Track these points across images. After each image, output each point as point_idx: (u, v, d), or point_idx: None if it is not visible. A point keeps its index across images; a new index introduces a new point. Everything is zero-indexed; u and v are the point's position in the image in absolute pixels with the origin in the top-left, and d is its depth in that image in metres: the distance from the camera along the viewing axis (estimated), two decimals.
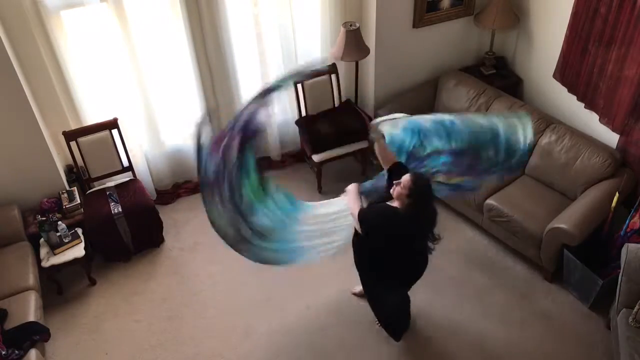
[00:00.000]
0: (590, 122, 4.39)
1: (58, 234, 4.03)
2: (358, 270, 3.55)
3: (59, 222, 4.06)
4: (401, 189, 2.97)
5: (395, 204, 3.07)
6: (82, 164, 4.42)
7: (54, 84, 4.13)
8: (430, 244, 3.17)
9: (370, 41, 4.74)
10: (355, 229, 3.25)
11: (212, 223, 3.20)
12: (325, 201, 3.65)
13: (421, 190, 2.97)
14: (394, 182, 3.05)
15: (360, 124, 4.78)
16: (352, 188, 3.31)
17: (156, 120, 4.59)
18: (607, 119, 4.23)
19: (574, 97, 4.51)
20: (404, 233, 3.07)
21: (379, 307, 3.63)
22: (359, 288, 4.01)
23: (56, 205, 4.28)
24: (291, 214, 3.39)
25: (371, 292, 3.60)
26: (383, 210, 3.10)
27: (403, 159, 3.43)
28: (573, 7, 4.22)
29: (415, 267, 3.40)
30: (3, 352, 3.33)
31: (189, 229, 4.70)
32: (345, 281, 4.13)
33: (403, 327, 3.73)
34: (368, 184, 3.53)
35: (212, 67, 4.56)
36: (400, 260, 3.27)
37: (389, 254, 3.21)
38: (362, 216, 3.08)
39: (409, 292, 3.54)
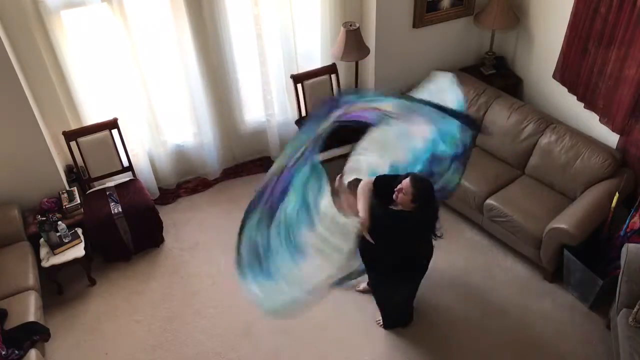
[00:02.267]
0: (590, 122, 4.39)
1: (58, 234, 4.03)
2: (367, 268, 3.55)
3: (59, 222, 4.06)
4: (404, 195, 3.01)
5: (399, 207, 3.10)
6: (82, 164, 4.42)
7: (54, 84, 4.13)
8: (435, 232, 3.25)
9: (370, 41, 4.74)
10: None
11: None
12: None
13: (424, 192, 3.01)
14: (395, 189, 3.06)
15: (360, 124, 4.78)
16: (363, 187, 3.22)
17: (158, 119, 4.60)
18: (607, 119, 4.23)
19: (574, 97, 4.51)
20: (416, 233, 3.15)
21: (387, 300, 3.70)
22: (363, 285, 4.03)
23: (56, 205, 4.28)
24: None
25: (380, 287, 3.66)
26: (392, 218, 3.11)
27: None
28: (573, 7, 4.22)
29: (423, 257, 3.44)
30: (3, 352, 3.33)
31: (189, 229, 4.70)
32: None
33: (403, 319, 3.83)
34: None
35: (213, 67, 4.56)
36: (409, 255, 3.32)
37: (399, 252, 3.25)
38: (373, 227, 3.07)
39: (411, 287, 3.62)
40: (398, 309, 3.80)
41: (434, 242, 3.38)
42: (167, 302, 4.14)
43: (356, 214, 3.12)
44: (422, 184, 3.03)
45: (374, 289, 3.80)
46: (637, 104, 3.93)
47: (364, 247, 3.30)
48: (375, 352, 3.76)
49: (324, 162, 4.67)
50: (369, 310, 3.96)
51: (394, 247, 3.21)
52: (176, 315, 4.04)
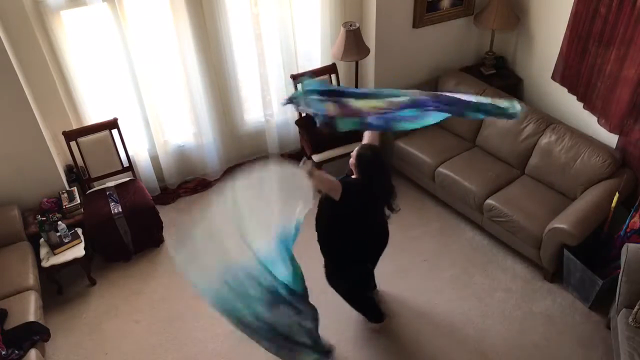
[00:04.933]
0: (591, 122, 4.39)
1: (58, 234, 4.03)
2: (323, 253, 3.52)
3: (59, 222, 4.06)
4: (351, 160, 3.18)
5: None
6: (82, 164, 4.42)
7: (54, 84, 4.13)
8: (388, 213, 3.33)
9: (370, 41, 4.74)
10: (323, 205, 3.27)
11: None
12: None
13: (366, 158, 3.13)
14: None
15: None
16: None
17: (159, 119, 4.60)
18: (604, 119, 4.23)
19: (574, 97, 4.51)
20: (361, 201, 3.18)
21: (341, 286, 3.65)
22: None
23: (56, 205, 4.28)
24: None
25: (333, 274, 3.61)
26: (346, 181, 3.20)
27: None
28: (573, 7, 4.22)
29: (376, 239, 3.47)
30: (3, 352, 3.33)
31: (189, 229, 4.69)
32: None
33: (372, 306, 3.82)
34: None
35: (213, 67, 4.56)
36: (359, 232, 3.33)
37: (350, 225, 3.27)
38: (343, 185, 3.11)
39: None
40: (358, 301, 3.77)
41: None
42: (167, 302, 4.14)
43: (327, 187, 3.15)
44: (366, 150, 3.15)
45: (334, 284, 3.71)
46: (636, 104, 3.93)
47: (321, 228, 3.35)
48: (375, 349, 3.75)
49: (323, 162, 4.72)
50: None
51: (344, 219, 3.21)
52: (176, 315, 4.04)
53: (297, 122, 4.92)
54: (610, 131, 4.19)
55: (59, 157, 4.41)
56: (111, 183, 4.51)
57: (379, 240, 3.49)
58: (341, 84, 4.76)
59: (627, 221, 3.73)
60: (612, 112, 4.13)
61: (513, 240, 4.23)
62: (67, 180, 4.48)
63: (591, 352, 3.68)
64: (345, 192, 3.08)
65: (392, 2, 4.62)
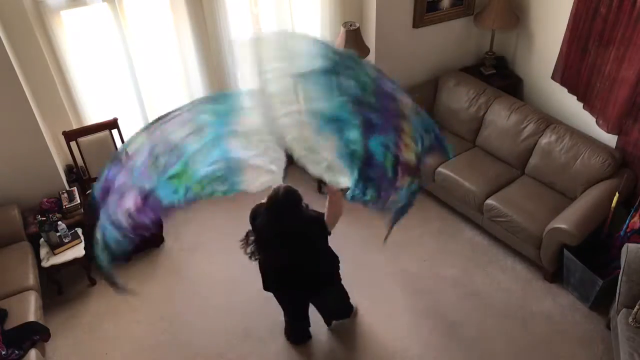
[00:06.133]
0: (591, 122, 4.39)
1: (58, 234, 4.03)
2: None
3: (59, 222, 4.06)
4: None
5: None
6: (82, 164, 4.42)
7: (54, 84, 4.13)
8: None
9: (370, 41, 4.74)
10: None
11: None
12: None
13: (272, 197, 3.07)
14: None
15: None
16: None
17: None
18: (602, 120, 4.23)
19: (574, 97, 4.52)
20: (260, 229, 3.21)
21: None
22: None
23: (56, 205, 4.28)
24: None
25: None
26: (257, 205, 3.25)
27: None
28: (573, 7, 4.23)
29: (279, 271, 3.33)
30: (3, 352, 3.33)
31: (189, 229, 4.70)
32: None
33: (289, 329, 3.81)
34: None
35: (212, 67, 4.56)
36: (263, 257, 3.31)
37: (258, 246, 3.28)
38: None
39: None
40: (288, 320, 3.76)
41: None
42: (167, 302, 4.14)
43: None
44: (276, 191, 3.04)
45: None
46: (634, 104, 3.93)
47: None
48: (374, 349, 3.75)
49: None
50: (363, 312, 3.97)
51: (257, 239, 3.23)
52: (176, 315, 4.04)
53: None
54: (608, 131, 4.20)
55: (59, 157, 4.41)
56: None
57: (283, 275, 3.30)
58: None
59: (627, 221, 3.73)
60: (610, 113, 4.13)
61: (513, 240, 4.23)
62: (67, 180, 4.48)
63: (591, 352, 3.69)
64: (252, 214, 3.14)
65: (392, 2, 4.62)
